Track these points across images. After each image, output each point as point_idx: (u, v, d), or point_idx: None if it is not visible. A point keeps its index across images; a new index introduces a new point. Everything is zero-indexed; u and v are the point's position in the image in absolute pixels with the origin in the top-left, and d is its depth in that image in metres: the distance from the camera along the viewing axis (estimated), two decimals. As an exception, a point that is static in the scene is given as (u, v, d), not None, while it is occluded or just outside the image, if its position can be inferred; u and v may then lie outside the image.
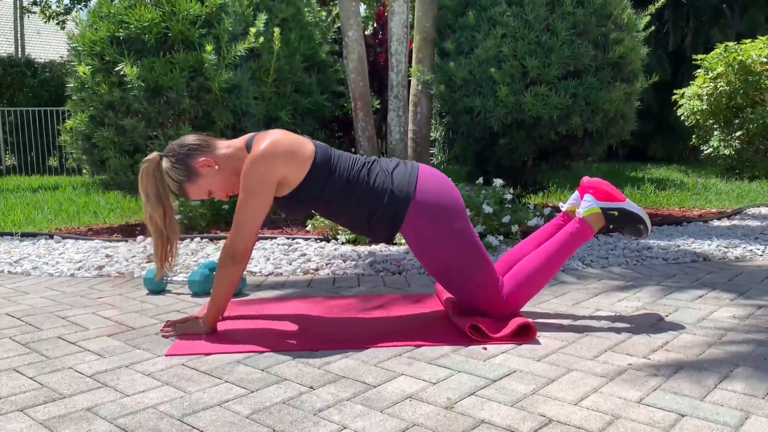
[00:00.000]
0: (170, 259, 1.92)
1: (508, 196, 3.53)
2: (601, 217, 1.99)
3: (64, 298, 2.41)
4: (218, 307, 1.88)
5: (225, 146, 1.92)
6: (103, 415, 1.34)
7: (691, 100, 7.95)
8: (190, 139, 1.91)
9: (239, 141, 1.93)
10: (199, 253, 3.19)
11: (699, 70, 7.90)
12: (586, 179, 2.05)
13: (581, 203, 2.03)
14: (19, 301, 2.37)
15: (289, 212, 1.94)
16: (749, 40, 7.57)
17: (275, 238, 3.49)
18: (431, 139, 4.67)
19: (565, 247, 1.96)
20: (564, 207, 2.11)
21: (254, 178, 1.79)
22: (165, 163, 1.89)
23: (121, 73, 3.67)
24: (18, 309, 2.25)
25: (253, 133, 1.91)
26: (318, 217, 3.77)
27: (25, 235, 3.89)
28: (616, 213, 1.99)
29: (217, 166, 1.89)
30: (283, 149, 1.82)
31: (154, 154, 1.90)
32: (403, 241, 3.29)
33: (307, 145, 1.87)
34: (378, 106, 5.16)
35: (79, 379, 1.55)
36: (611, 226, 2.01)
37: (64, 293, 2.49)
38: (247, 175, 1.80)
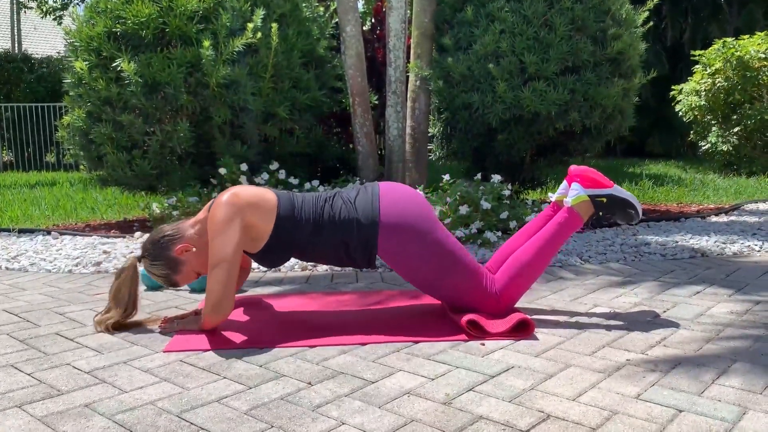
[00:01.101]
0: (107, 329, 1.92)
1: (507, 192, 3.53)
2: (589, 204, 1.99)
3: (62, 294, 2.41)
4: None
5: (192, 224, 1.94)
6: (102, 411, 1.34)
7: (689, 95, 7.95)
8: (160, 232, 1.93)
9: (202, 213, 1.95)
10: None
11: (697, 66, 7.90)
12: (573, 168, 2.04)
13: (569, 192, 2.02)
14: (17, 297, 2.37)
15: (269, 265, 1.94)
16: (747, 36, 7.58)
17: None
18: (429, 134, 4.67)
19: (555, 237, 1.95)
20: (553, 197, 2.11)
21: (221, 220, 1.78)
22: (145, 264, 1.93)
23: (119, 68, 3.66)
24: (16, 305, 2.24)
25: (212, 199, 1.93)
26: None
27: (23, 231, 3.88)
28: (604, 199, 1.98)
29: (194, 248, 1.90)
30: (245, 197, 1.83)
31: (131, 260, 1.92)
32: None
33: (268, 195, 1.87)
34: (376, 102, 5.15)
35: (77, 375, 1.55)
36: (601, 213, 2.00)
37: (62, 289, 2.48)
38: (213, 221, 1.79)
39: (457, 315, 1.89)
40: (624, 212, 2.00)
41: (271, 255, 1.89)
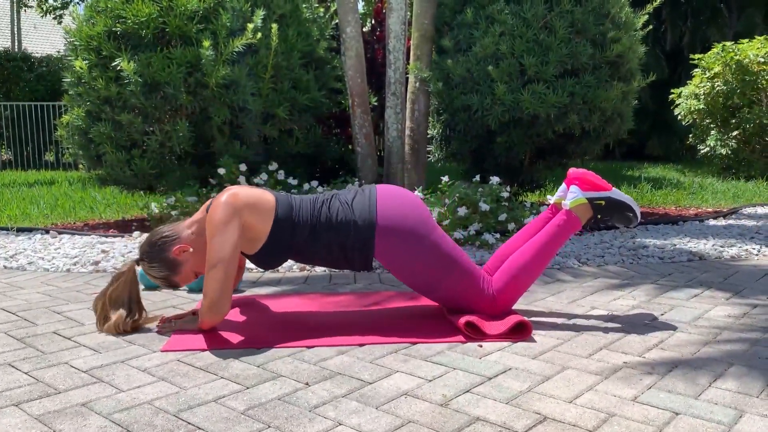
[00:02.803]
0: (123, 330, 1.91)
1: (505, 194, 3.53)
2: (588, 207, 1.99)
3: (60, 293, 2.41)
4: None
5: (189, 225, 1.95)
6: (99, 410, 1.34)
7: (688, 99, 7.96)
8: (157, 234, 1.93)
9: (199, 213, 1.96)
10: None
11: (696, 70, 7.91)
12: (572, 170, 2.04)
13: (567, 195, 2.02)
14: (15, 296, 2.37)
15: (265, 266, 1.94)
16: (747, 40, 7.58)
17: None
18: (428, 136, 4.68)
19: (553, 240, 1.95)
20: (551, 200, 2.11)
21: (219, 220, 1.78)
22: (143, 267, 1.93)
23: (118, 68, 3.66)
24: (13, 304, 2.24)
25: (210, 200, 1.93)
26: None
27: (21, 230, 3.88)
28: (603, 202, 1.98)
29: (191, 249, 1.90)
30: (244, 198, 1.83)
31: (129, 263, 1.92)
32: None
33: (266, 196, 1.88)
34: (375, 103, 5.16)
35: (74, 374, 1.55)
36: (599, 216, 2.00)
37: (60, 288, 2.48)
38: (212, 221, 1.79)
39: (454, 316, 1.89)
40: (622, 215, 2.00)
41: (268, 256, 1.89)
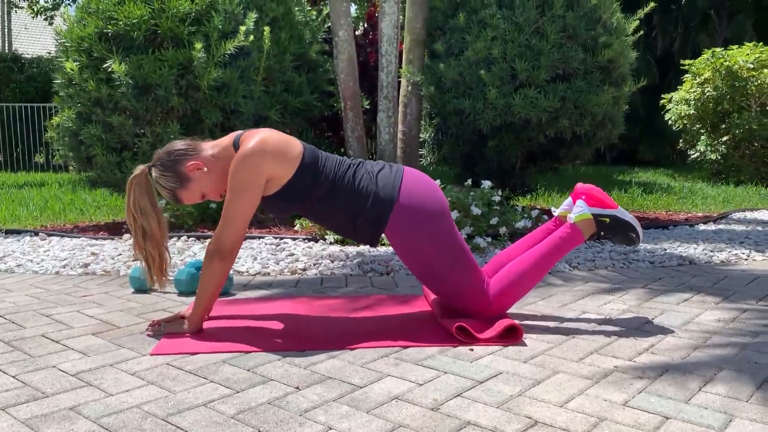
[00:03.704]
0: (166, 269, 1.92)
1: (497, 198, 3.54)
2: (592, 223, 2.00)
3: (49, 295, 2.39)
4: (204, 306, 1.87)
5: (211, 147, 1.92)
6: (87, 414, 1.33)
7: (678, 104, 8.01)
8: (176, 145, 1.90)
9: (226, 140, 1.93)
10: (185, 252, 3.17)
11: (686, 75, 7.97)
12: (579, 185, 2.06)
13: (573, 209, 2.03)
14: (3, 298, 2.35)
15: (275, 211, 1.94)
16: (736, 46, 7.65)
17: (263, 237, 3.48)
18: (420, 139, 4.68)
19: (554, 251, 1.96)
20: (556, 212, 2.12)
21: (243, 175, 1.79)
22: (154, 173, 1.89)
23: (109, 69, 3.64)
24: (1, 307, 2.22)
25: (240, 132, 1.91)
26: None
27: (10, 232, 3.85)
28: (607, 220, 2.00)
29: (206, 168, 1.88)
30: (272, 148, 1.82)
31: (141, 167, 1.89)
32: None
33: (295, 145, 1.87)
34: (368, 107, 5.16)
35: (62, 377, 1.53)
36: (602, 233, 2.02)
37: (49, 291, 2.46)
38: (236, 173, 1.80)
39: (446, 320, 1.89)
40: (625, 235, 2.01)
41: (281, 202, 1.88)
